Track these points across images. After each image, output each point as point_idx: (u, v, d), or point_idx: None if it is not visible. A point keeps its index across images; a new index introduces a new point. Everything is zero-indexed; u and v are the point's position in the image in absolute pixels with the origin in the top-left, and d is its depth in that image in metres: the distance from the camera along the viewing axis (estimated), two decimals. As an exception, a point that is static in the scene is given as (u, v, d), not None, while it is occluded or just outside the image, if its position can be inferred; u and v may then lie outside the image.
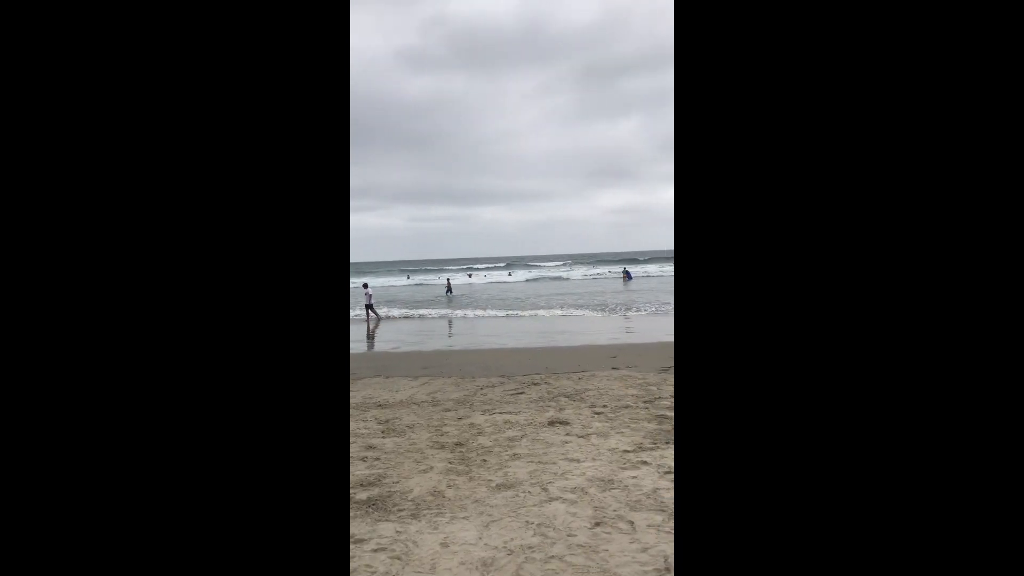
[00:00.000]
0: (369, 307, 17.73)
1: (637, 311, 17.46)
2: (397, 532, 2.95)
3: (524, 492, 3.43)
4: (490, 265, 66.98)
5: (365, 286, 18.72)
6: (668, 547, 2.69)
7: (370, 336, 13.89)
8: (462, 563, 2.60)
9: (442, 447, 4.39)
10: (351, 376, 8.14)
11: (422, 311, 19.85)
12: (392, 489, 3.55)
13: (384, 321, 17.30)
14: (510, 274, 49.76)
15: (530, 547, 2.72)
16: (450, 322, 17.02)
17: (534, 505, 3.23)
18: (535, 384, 6.78)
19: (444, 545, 2.78)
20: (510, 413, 5.35)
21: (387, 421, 5.26)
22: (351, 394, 6.77)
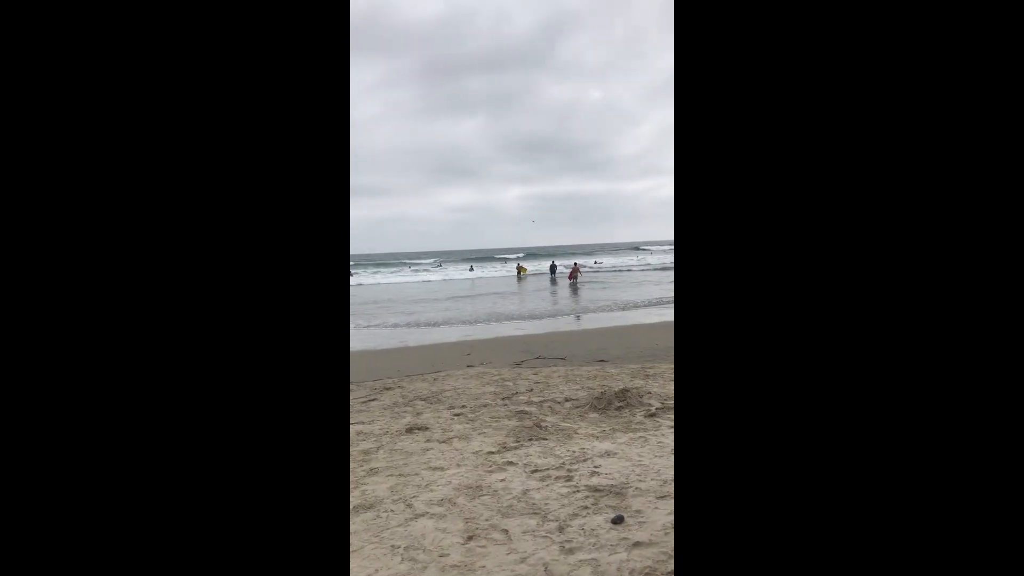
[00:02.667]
0: None
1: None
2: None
3: (386, 511, 3.12)
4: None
5: None
6: (546, 553, 2.57)
7: None
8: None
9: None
10: None
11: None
12: None
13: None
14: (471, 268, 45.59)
15: (399, 576, 2.44)
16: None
17: (399, 525, 2.94)
18: (388, 389, 6.43)
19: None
20: (363, 423, 4.94)
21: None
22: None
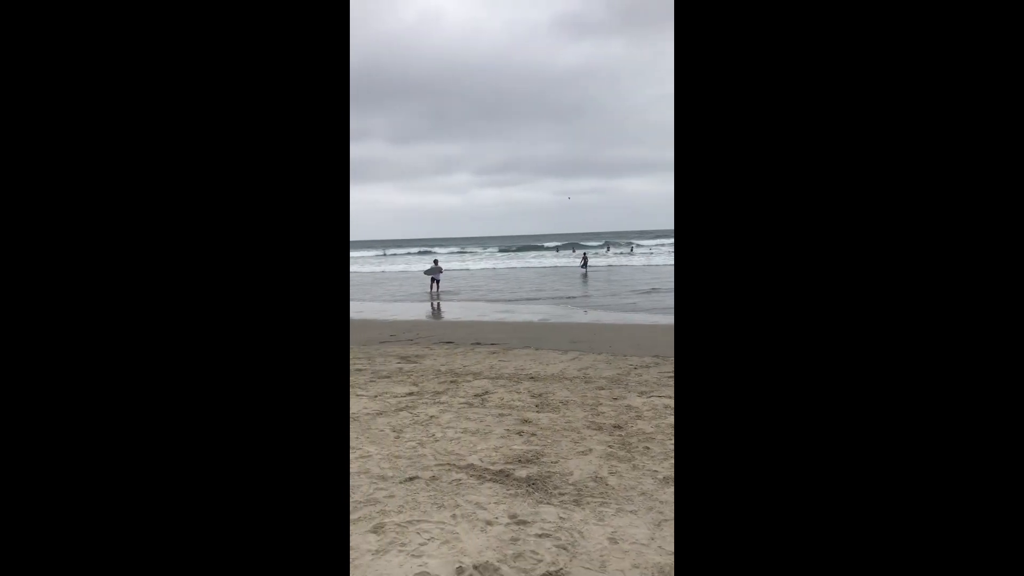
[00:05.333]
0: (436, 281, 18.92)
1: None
2: (560, 519, 2.83)
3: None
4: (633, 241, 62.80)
5: (436, 261, 20.37)
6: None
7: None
8: (635, 566, 2.41)
9: (599, 428, 4.24)
10: (500, 346, 8.16)
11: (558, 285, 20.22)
12: (551, 469, 3.44)
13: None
14: (631, 251, 47.67)
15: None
16: (587, 296, 16.94)
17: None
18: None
19: (613, 541, 2.63)
20: (669, 397, 5.01)
21: (540, 395, 5.13)
22: (503, 363, 6.72)
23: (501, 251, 52.66)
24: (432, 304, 16.07)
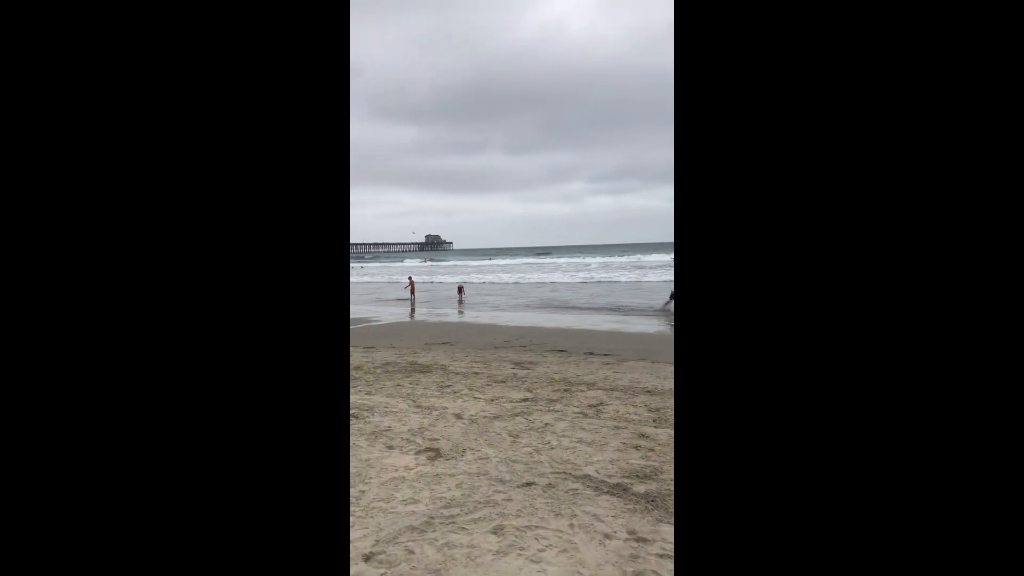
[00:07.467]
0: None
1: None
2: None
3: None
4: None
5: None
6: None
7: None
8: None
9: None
10: (614, 357, 8.24)
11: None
12: (670, 487, 3.40)
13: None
14: None
15: None
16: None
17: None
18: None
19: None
20: None
21: (658, 410, 5.10)
22: (618, 375, 6.79)
23: (602, 262, 51.67)
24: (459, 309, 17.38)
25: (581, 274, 36.83)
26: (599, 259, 55.15)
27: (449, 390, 6.01)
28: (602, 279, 33.01)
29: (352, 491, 3.38)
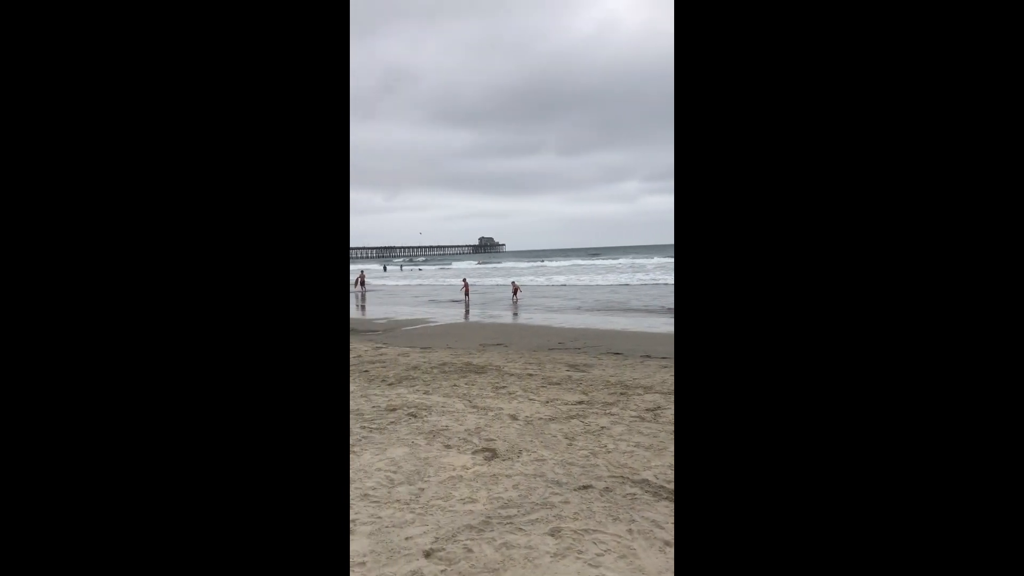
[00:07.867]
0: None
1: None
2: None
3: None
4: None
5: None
6: None
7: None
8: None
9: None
10: (672, 360, 8.09)
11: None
12: None
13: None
14: None
15: None
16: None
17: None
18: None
19: None
20: None
21: None
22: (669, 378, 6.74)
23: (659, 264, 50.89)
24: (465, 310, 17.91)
25: (638, 275, 36.30)
26: (655, 260, 54.20)
27: (504, 391, 6.05)
28: (658, 281, 32.41)
29: (411, 488, 3.45)
